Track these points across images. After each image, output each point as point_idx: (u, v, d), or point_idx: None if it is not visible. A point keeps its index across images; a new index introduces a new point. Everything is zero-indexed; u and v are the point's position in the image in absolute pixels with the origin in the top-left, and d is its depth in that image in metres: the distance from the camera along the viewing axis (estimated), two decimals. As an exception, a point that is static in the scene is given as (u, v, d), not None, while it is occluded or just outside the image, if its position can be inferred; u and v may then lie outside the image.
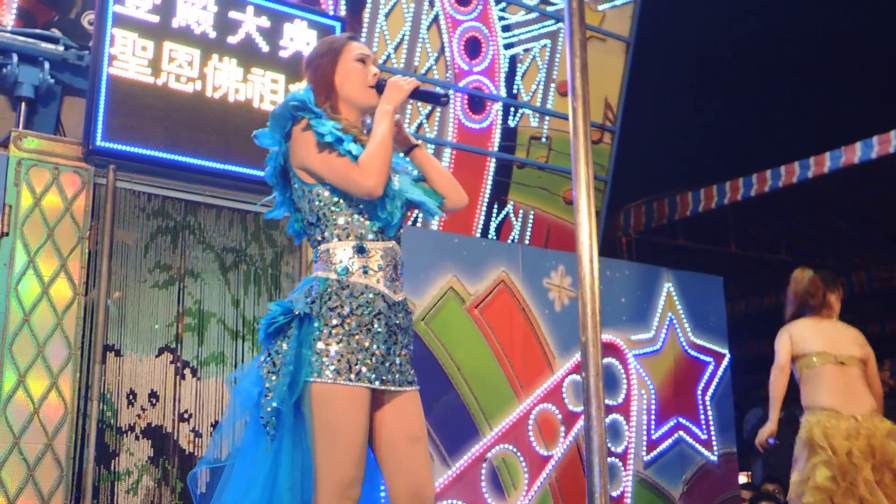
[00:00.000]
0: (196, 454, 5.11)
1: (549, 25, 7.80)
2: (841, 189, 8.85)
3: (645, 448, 6.96)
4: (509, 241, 7.42)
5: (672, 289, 7.42)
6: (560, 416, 6.51)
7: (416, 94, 2.80)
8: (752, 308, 10.98)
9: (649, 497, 6.89)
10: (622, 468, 6.79)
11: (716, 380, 7.51)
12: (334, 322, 2.61)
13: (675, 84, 12.14)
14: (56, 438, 4.68)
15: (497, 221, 7.47)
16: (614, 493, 6.65)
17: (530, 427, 6.35)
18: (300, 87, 2.94)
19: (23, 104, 5.29)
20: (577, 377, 6.48)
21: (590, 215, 4.35)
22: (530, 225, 7.65)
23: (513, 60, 7.67)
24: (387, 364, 2.67)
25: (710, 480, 7.26)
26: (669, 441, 7.11)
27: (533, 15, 7.77)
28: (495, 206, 7.47)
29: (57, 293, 4.82)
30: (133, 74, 5.16)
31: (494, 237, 7.37)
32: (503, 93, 7.56)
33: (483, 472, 6.08)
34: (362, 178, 2.62)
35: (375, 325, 2.65)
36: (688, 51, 11.86)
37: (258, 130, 2.80)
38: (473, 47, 7.44)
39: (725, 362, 7.61)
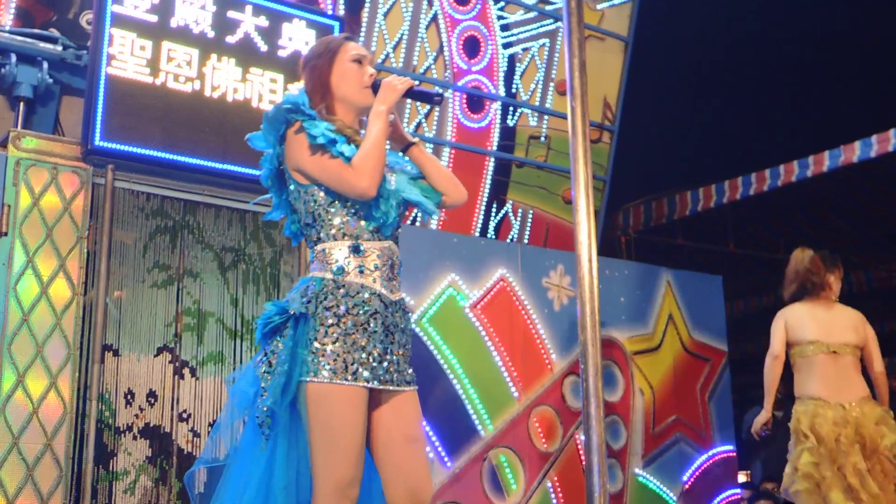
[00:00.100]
0: (195, 454, 5.10)
1: (547, 24, 7.80)
2: (840, 188, 8.85)
3: (644, 447, 6.96)
4: (508, 241, 7.42)
5: (671, 288, 7.43)
6: (559, 416, 6.51)
7: (410, 94, 2.81)
8: (751, 307, 10.98)
9: (648, 496, 6.89)
10: (621, 467, 6.79)
11: (715, 379, 7.52)
12: (330, 321, 2.61)
13: (674, 83, 12.14)
14: (55, 438, 4.67)
15: (496, 221, 7.47)
16: (613, 492, 6.65)
17: (529, 426, 6.36)
18: (298, 88, 2.94)
19: (21, 104, 5.28)
20: (576, 376, 6.48)
21: (588, 215, 4.36)
22: (529, 224, 7.65)
23: (511, 60, 7.67)
24: (384, 363, 2.67)
25: (709, 479, 7.26)
26: (668, 440, 7.12)
27: (532, 14, 7.77)
28: (494, 205, 7.47)
29: (56, 293, 4.82)
30: (131, 74, 5.16)
31: (493, 236, 7.37)
32: (502, 92, 7.56)
33: (482, 471, 6.08)
34: (355, 179, 2.63)
35: (372, 325, 2.65)
36: (687, 50, 11.86)
37: (251, 134, 2.80)
38: (472, 46, 7.44)
39: (724, 361, 7.62)
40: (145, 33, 5.23)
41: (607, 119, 8.05)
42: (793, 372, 5.13)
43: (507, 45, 7.65)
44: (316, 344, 2.60)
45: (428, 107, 7.09)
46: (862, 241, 9.82)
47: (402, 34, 7.06)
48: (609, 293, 6.92)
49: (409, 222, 6.55)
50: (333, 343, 2.60)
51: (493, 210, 7.46)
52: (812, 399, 4.91)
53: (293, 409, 2.63)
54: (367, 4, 6.89)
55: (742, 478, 8.32)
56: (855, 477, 4.65)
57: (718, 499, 7.28)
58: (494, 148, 7.48)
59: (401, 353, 2.75)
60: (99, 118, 5.01)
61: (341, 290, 2.64)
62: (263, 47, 5.62)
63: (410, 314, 2.85)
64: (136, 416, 5.04)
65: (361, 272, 2.68)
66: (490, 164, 7.47)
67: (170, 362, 5.19)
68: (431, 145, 7.08)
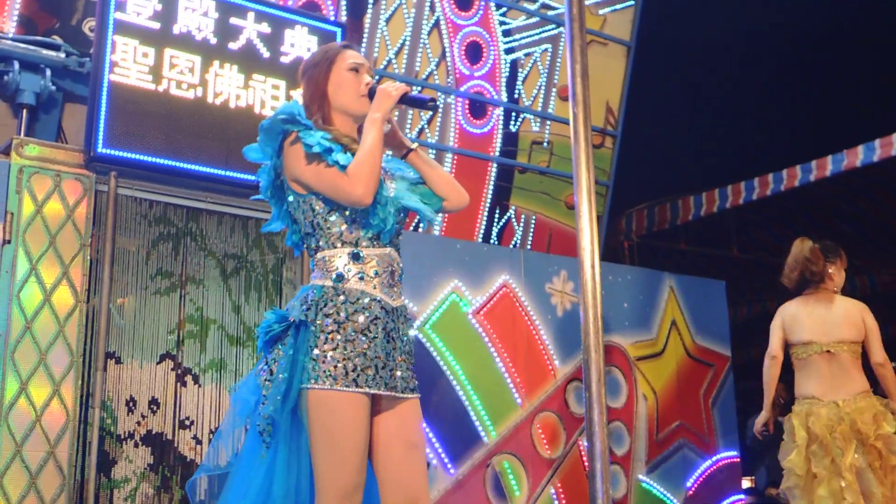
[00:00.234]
0: (197, 461, 5.10)
1: (549, 30, 7.80)
2: (843, 192, 8.84)
3: (647, 453, 6.95)
4: (511, 247, 7.42)
5: (674, 293, 7.42)
6: (562, 422, 6.50)
7: (405, 101, 2.81)
8: (755, 312, 10.95)
9: (652, 502, 6.88)
10: (624, 473, 6.78)
11: (718, 384, 7.51)
12: (331, 328, 2.61)
13: (677, 88, 12.14)
14: (58, 446, 4.67)
15: (499, 227, 7.47)
16: (616, 498, 6.64)
17: (533, 432, 6.35)
18: (299, 95, 2.95)
19: (24, 111, 5.29)
20: (579, 382, 6.47)
21: (591, 220, 4.36)
22: (532, 230, 7.65)
23: (514, 65, 7.67)
24: (387, 370, 2.66)
25: (713, 485, 7.25)
26: (672, 446, 7.10)
27: (534, 20, 7.77)
28: (497, 211, 7.47)
29: (59, 300, 4.82)
30: (134, 81, 5.16)
31: (496, 242, 7.37)
32: (504, 97, 7.56)
33: (486, 477, 6.07)
34: (350, 187, 2.63)
35: (373, 331, 2.65)
36: (689, 54, 11.85)
37: (247, 146, 2.81)
38: (474, 52, 7.44)
39: (728, 366, 7.61)
40: (148, 40, 5.24)
41: (610, 124, 8.05)
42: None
43: (509, 51, 7.65)
44: (316, 351, 2.60)
45: (430, 113, 7.09)
46: (865, 246, 9.79)
47: (405, 40, 7.06)
48: (612, 299, 6.91)
49: (411, 228, 6.55)
50: (334, 350, 2.59)
51: (496, 216, 7.46)
52: (807, 399, 4.91)
53: (294, 416, 2.63)
54: (369, 10, 6.90)
55: (746, 483, 8.30)
56: (850, 473, 4.62)
57: (722, 504, 7.27)
58: (497, 153, 7.48)
59: (403, 359, 2.74)
60: (102, 125, 5.02)
61: (341, 297, 2.64)
62: (266, 54, 5.63)
63: (412, 321, 2.85)
64: (139, 423, 5.04)
65: (361, 279, 2.68)
66: (493, 170, 7.47)
67: (172, 369, 5.20)
68: (434, 151, 7.08)
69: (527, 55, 7.76)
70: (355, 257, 2.69)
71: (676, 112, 12.10)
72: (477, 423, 6.11)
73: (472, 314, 6.28)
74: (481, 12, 7.52)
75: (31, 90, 5.27)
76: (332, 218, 2.71)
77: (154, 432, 5.08)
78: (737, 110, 12.90)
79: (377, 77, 6.72)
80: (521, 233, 7.60)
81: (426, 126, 7.11)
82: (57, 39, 5.44)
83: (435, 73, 7.23)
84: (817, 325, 4.95)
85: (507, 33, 7.68)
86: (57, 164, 4.98)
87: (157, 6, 5.29)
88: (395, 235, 2.80)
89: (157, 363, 5.16)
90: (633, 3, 8.21)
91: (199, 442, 5.18)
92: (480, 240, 7.27)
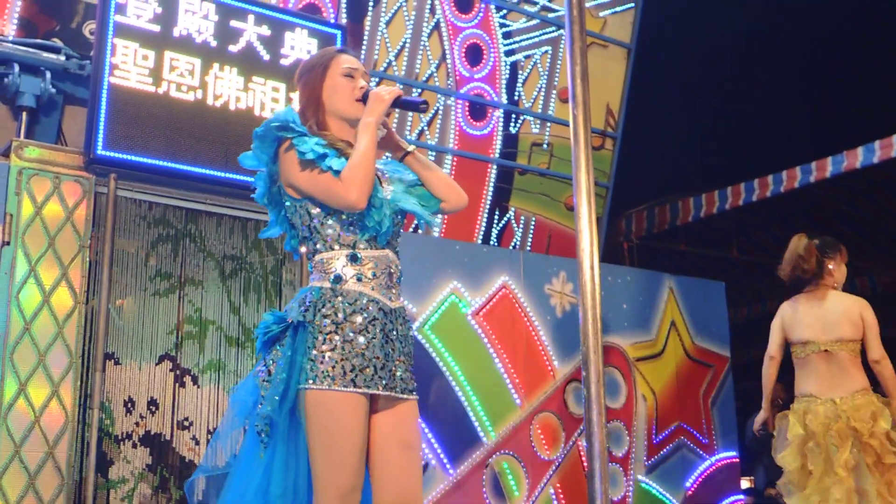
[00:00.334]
0: (195, 461, 5.11)
1: (549, 32, 7.82)
2: (843, 194, 8.85)
3: (646, 453, 6.96)
4: (511, 248, 7.43)
5: (674, 294, 7.43)
6: (561, 422, 6.51)
7: (398, 104, 2.82)
8: (755, 313, 10.95)
9: (651, 502, 6.88)
10: (623, 474, 6.79)
11: (718, 385, 7.51)
12: (329, 329, 2.62)
13: (677, 90, 12.15)
14: (57, 447, 4.68)
15: (498, 228, 7.48)
16: (615, 499, 6.65)
17: (532, 433, 6.36)
18: (296, 100, 2.97)
19: (24, 114, 5.31)
20: (578, 383, 6.48)
21: (590, 222, 4.36)
22: (532, 231, 7.66)
23: (514, 67, 7.68)
24: (386, 370, 2.67)
25: (712, 486, 7.25)
26: (671, 446, 7.11)
27: (534, 22, 7.78)
28: (496, 212, 7.48)
29: (58, 302, 4.83)
30: (134, 83, 5.18)
31: (496, 244, 7.38)
32: (504, 99, 7.57)
33: (485, 478, 6.08)
34: (344, 192, 2.64)
35: (371, 331, 2.66)
36: (689, 56, 11.86)
37: (242, 154, 2.83)
38: (474, 54, 7.45)
39: (727, 367, 7.61)
40: (148, 43, 5.25)
41: (610, 126, 8.06)
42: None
43: (509, 53, 7.67)
44: (314, 351, 2.61)
45: (430, 115, 7.11)
46: (865, 247, 9.79)
47: (405, 42, 7.07)
48: (612, 300, 6.92)
49: (411, 230, 6.57)
50: (332, 350, 2.61)
51: (496, 217, 7.47)
52: (805, 397, 4.90)
53: (293, 416, 2.64)
54: (369, 13, 6.91)
55: (745, 484, 8.30)
56: (843, 470, 4.61)
57: (721, 505, 7.27)
58: (497, 155, 7.49)
59: (402, 360, 2.75)
60: (101, 127, 5.03)
61: (339, 298, 2.66)
62: (266, 56, 5.64)
63: (411, 323, 2.85)
64: (137, 423, 5.05)
65: (359, 280, 2.69)
66: (492, 172, 7.48)
67: (171, 370, 5.21)
68: (434, 153, 7.10)
69: (527, 57, 7.77)
70: (353, 259, 2.71)
71: (676, 114, 12.11)
72: (476, 424, 6.12)
73: (472, 315, 6.29)
74: (481, 14, 7.54)
75: (32, 93, 5.28)
76: (329, 221, 2.73)
77: (153, 433, 5.09)
78: (736, 112, 12.91)
79: (377, 79, 6.77)
80: (520, 234, 7.61)
81: (426, 128, 7.12)
82: (57, 42, 5.46)
83: (435, 75, 7.25)
84: (816, 323, 4.93)
85: (507, 35, 7.69)
86: (56, 166, 4.99)
87: (158, 9, 5.31)
88: (393, 237, 2.82)
89: (156, 364, 5.17)
90: (633, 5, 8.23)
91: (197, 442, 5.19)
92: (480, 241, 7.28)
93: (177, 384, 5.20)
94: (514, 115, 7.62)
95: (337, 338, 2.62)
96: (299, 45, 5.76)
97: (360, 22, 6.86)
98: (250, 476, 2.62)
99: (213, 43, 5.47)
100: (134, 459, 5.01)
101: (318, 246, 2.74)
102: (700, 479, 7.20)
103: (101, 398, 4.88)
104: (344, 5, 6.70)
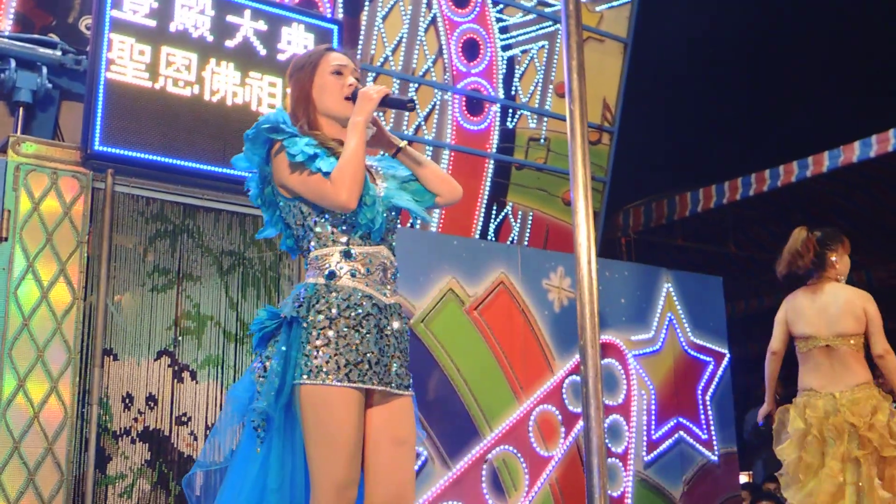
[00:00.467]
0: (194, 457, 5.11)
1: (546, 27, 7.81)
2: (840, 188, 8.86)
3: (645, 448, 6.97)
4: (508, 243, 7.43)
5: (671, 289, 7.43)
6: (560, 417, 6.51)
7: (385, 103, 2.82)
8: (752, 308, 10.98)
9: (650, 497, 6.89)
10: (622, 468, 6.79)
11: (716, 379, 7.52)
12: (323, 324, 2.63)
13: (673, 84, 12.14)
14: (56, 443, 4.68)
15: (496, 223, 7.48)
16: (614, 494, 6.66)
17: (530, 428, 6.36)
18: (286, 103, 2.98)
19: (21, 109, 5.29)
20: (576, 378, 6.48)
21: (587, 217, 4.36)
22: (529, 226, 7.66)
23: (511, 62, 7.68)
24: (381, 365, 2.68)
25: (711, 480, 7.26)
26: (670, 441, 7.12)
27: (531, 16, 7.78)
28: (494, 207, 7.48)
29: (56, 297, 4.83)
30: (131, 79, 5.17)
31: (493, 239, 7.38)
32: (501, 94, 7.57)
33: (484, 473, 6.08)
34: (334, 193, 2.65)
35: (365, 327, 2.66)
36: (686, 51, 11.85)
37: (235, 157, 2.84)
38: (471, 49, 7.45)
39: (725, 362, 7.62)
40: (144, 38, 5.24)
41: (606, 120, 8.06)
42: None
43: (506, 48, 7.66)
44: (309, 347, 2.62)
45: (427, 109, 7.11)
46: (862, 242, 9.79)
47: (402, 37, 7.07)
48: (609, 294, 6.92)
49: (408, 225, 6.56)
50: (326, 345, 2.61)
51: (493, 212, 7.47)
52: (806, 391, 4.90)
53: (288, 412, 2.65)
54: (366, 7, 6.90)
55: (744, 478, 8.32)
56: (839, 462, 4.61)
57: (720, 500, 7.27)
58: (494, 150, 7.49)
59: (397, 356, 2.75)
60: (98, 123, 5.02)
61: (333, 294, 2.67)
62: (262, 51, 5.63)
63: (407, 319, 2.86)
64: (136, 419, 5.05)
65: (353, 276, 2.70)
66: (490, 167, 7.48)
67: (169, 366, 5.20)
68: (431, 148, 7.09)
69: (523, 52, 7.77)
70: (347, 255, 2.72)
71: (673, 108, 12.11)
72: (474, 419, 6.12)
73: (469, 310, 6.29)
74: (478, 9, 7.53)
75: (28, 88, 5.27)
76: (322, 220, 2.74)
77: (151, 429, 5.09)
78: (733, 106, 12.91)
79: (374, 74, 6.76)
80: (518, 229, 7.61)
81: (423, 123, 7.12)
82: (53, 37, 5.44)
83: (432, 70, 7.24)
84: (818, 318, 4.90)
85: (503, 30, 7.69)
86: (54, 161, 4.99)
87: (154, 4, 5.30)
88: (388, 233, 2.82)
89: (155, 360, 5.17)
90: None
91: (195, 438, 5.19)
92: (478, 236, 7.28)
93: (175, 380, 5.19)
94: (510, 110, 7.62)
95: (331, 333, 2.63)
96: (296, 40, 5.75)
97: (356, 17, 6.85)
98: (247, 471, 2.64)
99: (210, 38, 5.46)
100: (133, 455, 5.01)
101: (312, 244, 2.76)
102: (699, 474, 7.21)
103: (99, 394, 4.88)
104: (340, 0, 6.69)
